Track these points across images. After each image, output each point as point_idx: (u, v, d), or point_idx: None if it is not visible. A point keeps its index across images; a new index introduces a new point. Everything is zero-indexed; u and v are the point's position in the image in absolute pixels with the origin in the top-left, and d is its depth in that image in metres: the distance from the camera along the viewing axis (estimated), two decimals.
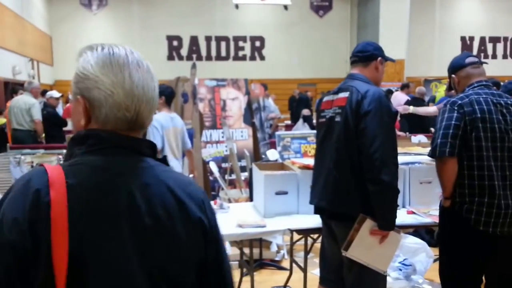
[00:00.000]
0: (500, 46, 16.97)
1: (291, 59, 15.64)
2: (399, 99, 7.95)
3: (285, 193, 3.23)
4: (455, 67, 2.58)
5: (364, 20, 14.96)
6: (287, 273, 3.73)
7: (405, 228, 3.21)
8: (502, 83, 4.54)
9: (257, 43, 15.85)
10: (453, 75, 2.59)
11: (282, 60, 15.64)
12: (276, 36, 15.71)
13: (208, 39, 15.28)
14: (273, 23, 15.61)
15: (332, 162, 2.43)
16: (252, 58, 15.84)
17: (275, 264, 4.32)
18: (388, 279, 3.64)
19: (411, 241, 3.83)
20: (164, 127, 4.22)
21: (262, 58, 15.88)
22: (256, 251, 4.25)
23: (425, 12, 15.63)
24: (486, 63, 2.63)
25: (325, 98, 2.61)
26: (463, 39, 16.51)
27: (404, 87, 8.39)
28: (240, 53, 15.66)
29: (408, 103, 7.53)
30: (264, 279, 4.08)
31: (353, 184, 2.34)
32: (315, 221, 2.75)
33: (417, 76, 14.58)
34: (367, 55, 2.53)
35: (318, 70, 15.53)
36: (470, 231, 2.39)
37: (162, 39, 14.96)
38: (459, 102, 2.40)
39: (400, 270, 3.70)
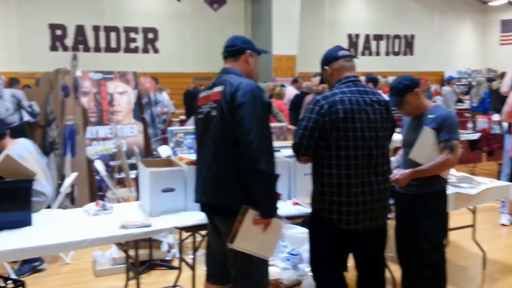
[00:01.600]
0: (383, 44, 18.31)
1: (186, 52, 15.46)
2: (289, 93, 8.23)
3: (172, 190, 3.17)
4: (329, 59, 2.68)
5: (259, 16, 15.25)
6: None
7: (290, 219, 3.32)
8: (383, 78, 4.84)
9: (150, 35, 15.41)
10: (326, 67, 2.69)
11: (177, 53, 15.39)
12: (170, 28, 15.40)
13: (96, 29, 14.50)
14: (166, 14, 15.28)
15: (211, 157, 2.44)
16: (145, 50, 15.37)
17: (166, 264, 4.24)
18: (276, 269, 3.77)
19: (298, 231, 3.98)
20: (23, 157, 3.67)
21: (155, 50, 15.49)
22: (145, 252, 4.14)
23: (315, 11, 16.34)
24: (357, 57, 2.76)
25: (202, 94, 2.61)
26: (349, 36, 17.55)
27: (294, 82, 8.70)
28: (132, 45, 15.10)
29: (296, 97, 7.84)
30: (155, 280, 3.99)
31: (233, 177, 2.37)
32: (204, 217, 2.74)
33: (309, 71, 15.21)
34: (236, 49, 2.56)
35: (214, 64, 15.32)
36: (334, 230, 2.55)
37: (44, 28, 13.89)
38: (322, 102, 2.50)
39: (288, 260, 3.83)
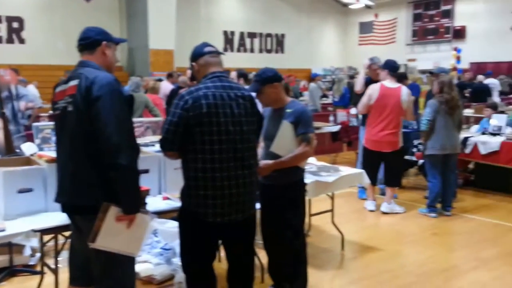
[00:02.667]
0: (256, 41, 18.85)
1: (56, 43, 14.33)
2: (164, 88, 8.05)
3: (30, 190, 2.90)
4: (195, 55, 2.65)
5: (134, 9, 14.71)
6: None
7: (161, 213, 3.24)
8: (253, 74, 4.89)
9: (15, 24, 14.03)
10: (193, 63, 2.66)
11: (46, 44, 14.23)
12: (38, 17, 14.17)
13: None
14: (34, 3, 14.02)
15: (67, 154, 2.29)
16: (9, 40, 13.97)
17: (28, 270, 3.88)
18: (149, 265, 3.66)
19: (171, 226, 3.90)
20: None
21: (21, 41, 14.14)
22: (6, 258, 3.75)
23: (191, 7, 16.24)
24: (223, 53, 2.76)
25: (58, 89, 2.41)
26: (225, 33, 17.77)
27: (169, 77, 8.53)
28: None
29: (172, 91, 7.69)
30: (16, 287, 3.62)
31: (91, 174, 2.23)
32: (66, 218, 2.52)
33: (186, 66, 15.05)
34: (90, 41, 2.41)
35: None
36: (201, 223, 2.53)
37: None
38: (186, 97, 2.46)
39: (161, 255, 3.74)
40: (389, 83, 5.47)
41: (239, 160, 2.53)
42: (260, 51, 18.93)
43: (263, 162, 3.03)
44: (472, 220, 5.44)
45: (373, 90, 5.47)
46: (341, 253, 4.45)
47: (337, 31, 22.70)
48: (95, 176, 2.23)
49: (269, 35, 19.30)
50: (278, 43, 19.64)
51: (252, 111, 2.63)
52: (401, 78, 6.28)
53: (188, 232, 2.63)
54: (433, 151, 5.43)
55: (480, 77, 13.44)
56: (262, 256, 3.56)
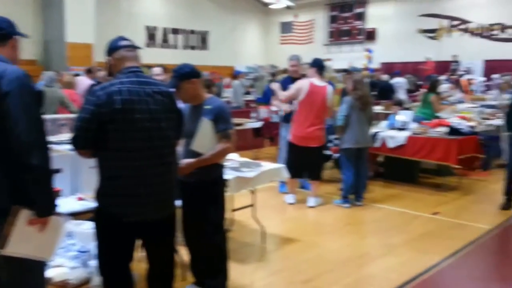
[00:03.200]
0: (180, 38, 18.51)
1: None
2: (82, 83, 7.64)
3: None
4: (111, 49, 2.52)
5: (48, 0, 13.79)
6: None
7: (76, 215, 3.05)
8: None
9: None
10: (109, 58, 2.53)
11: None
12: None
13: None
14: None
15: None
16: None
17: None
18: (64, 269, 3.42)
19: (87, 227, 3.68)
20: None
21: None
22: None
23: (112, 0, 15.57)
24: (140, 48, 2.62)
25: None
26: (147, 28, 17.26)
27: (88, 72, 8.11)
28: None
29: (92, 87, 7.31)
30: None
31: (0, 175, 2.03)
32: None
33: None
34: (3, 33, 2.20)
35: None
36: (117, 223, 2.41)
37: None
38: (99, 92, 2.33)
39: (77, 258, 3.51)
40: (317, 81, 5.57)
41: (157, 158, 2.43)
42: (184, 47, 18.62)
43: (184, 161, 2.96)
44: (382, 209, 5.73)
45: (302, 85, 5.52)
46: (262, 246, 4.48)
47: (259, 30, 22.92)
48: (3, 176, 2.03)
49: (192, 31, 19.03)
50: (202, 40, 19.44)
51: (171, 107, 2.52)
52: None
53: (104, 234, 2.49)
54: (349, 144, 5.64)
55: (385, 77, 14.22)
56: (183, 253, 3.48)
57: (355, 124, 5.60)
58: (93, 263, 3.46)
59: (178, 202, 2.84)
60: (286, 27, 23.32)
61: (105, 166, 2.38)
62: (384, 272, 3.91)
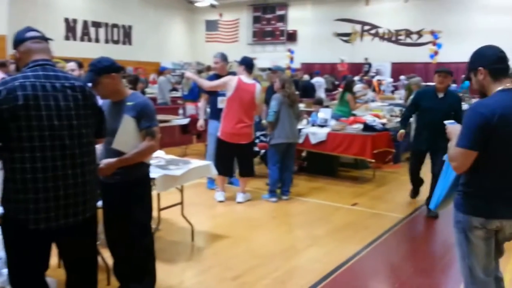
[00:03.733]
0: (102, 31, 17.59)
1: None
2: None
3: None
4: (16, 41, 2.22)
5: None
6: None
7: None
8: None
9: None
10: (15, 51, 2.23)
11: None
12: None
13: None
14: None
15: None
16: None
17: None
18: None
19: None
20: None
21: None
22: None
23: None
24: (50, 39, 2.33)
25: None
26: (66, 20, 16.18)
27: (2, 66, 7.38)
28: None
29: None
30: None
31: None
32: None
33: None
34: None
35: None
36: (24, 231, 2.13)
37: None
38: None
39: None
40: (246, 78, 5.50)
41: (69, 158, 2.15)
42: (106, 41, 17.71)
43: (105, 161, 2.71)
44: (306, 202, 5.80)
45: (230, 81, 5.43)
46: (192, 244, 4.33)
47: (185, 26, 22.46)
48: None
49: (115, 25, 18.15)
50: (126, 35, 18.62)
51: (85, 103, 2.24)
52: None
53: (13, 242, 2.20)
54: (279, 140, 5.68)
55: (306, 76, 14.56)
56: (106, 257, 3.24)
57: (285, 120, 5.66)
58: (6, 271, 3.11)
59: (99, 203, 2.60)
60: (211, 25, 23.08)
61: (7, 169, 2.09)
62: (310, 263, 3.94)
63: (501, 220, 2.27)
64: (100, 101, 2.54)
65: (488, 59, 2.27)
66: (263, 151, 6.70)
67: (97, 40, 17.29)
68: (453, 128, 2.39)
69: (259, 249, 4.21)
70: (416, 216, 5.33)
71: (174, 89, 14.06)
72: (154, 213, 3.13)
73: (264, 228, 4.85)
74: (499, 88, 2.24)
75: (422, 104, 5.22)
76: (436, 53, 17.87)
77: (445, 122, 2.55)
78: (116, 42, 18.14)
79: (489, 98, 2.25)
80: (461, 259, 2.39)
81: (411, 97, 8.29)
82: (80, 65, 5.21)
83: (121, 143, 2.77)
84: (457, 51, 17.18)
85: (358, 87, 11.94)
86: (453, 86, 15.05)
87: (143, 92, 8.47)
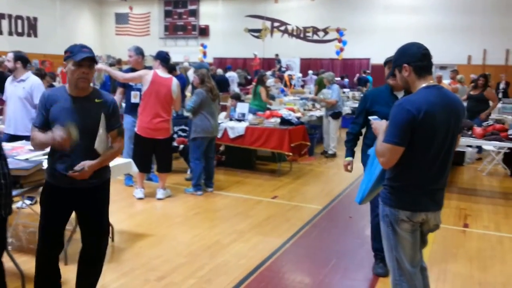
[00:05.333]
0: (5, 23, 16.00)
1: None
2: None
3: None
4: None
5: None
6: None
7: None
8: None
9: None
10: None
11: None
12: None
13: None
14: None
15: None
16: None
17: None
18: None
19: None
20: None
21: None
22: None
23: None
24: None
25: None
26: None
27: None
28: None
29: None
30: None
31: None
32: None
33: None
34: None
35: None
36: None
37: None
38: None
39: None
40: (161, 72, 5.29)
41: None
42: (10, 33, 16.07)
43: (87, 164, 2.51)
44: (228, 196, 5.70)
45: (146, 74, 5.21)
46: (111, 244, 4.01)
47: (94, 19, 21.14)
48: None
49: (19, 17, 16.51)
50: (31, 27, 17.03)
51: None
52: (171, 69, 6.17)
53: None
54: (202, 134, 5.56)
55: (220, 71, 14.41)
56: (20, 262, 2.87)
57: (207, 114, 5.58)
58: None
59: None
60: (121, 18, 21.98)
61: None
62: (236, 259, 3.84)
63: (426, 213, 2.31)
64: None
65: (412, 56, 2.27)
66: (182, 146, 6.48)
67: (0, 32, 15.63)
68: (378, 124, 2.42)
69: (183, 247, 4.03)
70: (333, 206, 5.48)
71: None
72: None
73: (187, 225, 4.66)
74: (424, 84, 2.25)
75: (378, 110, 3.50)
76: (341, 49, 18.76)
77: (370, 117, 2.58)
78: (20, 34, 16.58)
79: (414, 94, 2.26)
80: (388, 252, 2.40)
81: (323, 90, 8.62)
82: (20, 58, 4.65)
83: (100, 143, 2.57)
84: (361, 48, 18.23)
85: (270, 81, 12.10)
86: (346, 81, 15.93)
87: (51, 86, 7.74)
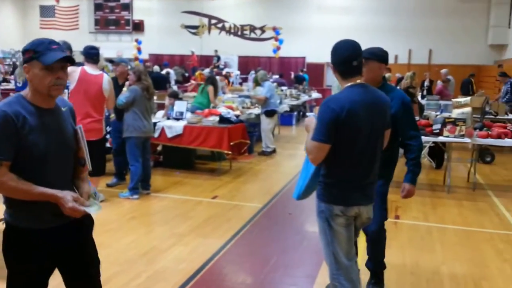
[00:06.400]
0: None
1: None
2: None
3: None
4: None
5: None
6: None
7: None
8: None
9: None
10: None
11: None
12: None
13: None
14: None
15: None
16: None
17: None
18: None
19: None
20: None
21: None
22: None
23: None
24: None
25: None
26: None
27: None
28: None
29: None
30: None
31: None
32: None
33: None
34: None
35: None
36: None
37: None
38: None
39: None
40: (90, 69, 4.97)
41: None
42: None
43: (75, 196, 1.97)
44: (165, 198, 5.53)
45: (73, 71, 4.78)
46: None
47: (16, 12, 19.77)
48: None
49: None
50: None
51: None
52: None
53: None
54: (135, 133, 5.35)
55: (156, 67, 14.04)
56: None
57: (143, 113, 5.40)
58: None
59: None
60: (47, 11, 20.76)
61: None
62: (175, 263, 3.72)
63: (359, 207, 2.40)
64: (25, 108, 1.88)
65: (337, 59, 2.36)
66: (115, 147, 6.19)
67: None
68: (309, 120, 2.50)
69: (119, 255, 3.83)
70: (273, 204, 5.49)
71: (5, 80, 12.26)
72: None
73: (122, 231, 4.45)
74: (348, 84, 2.34)
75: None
76: (278, 48, 19.00)
77: (307, 114, 2.61)
78: None
79: (340, 93, 2.36)
80: (325, 247, 2.45)
81: (256, 87, 8.65)
82: None
83: (88, 159, 2.14)
84: (297, 46, 18.59)
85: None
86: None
87: None
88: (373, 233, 3.16)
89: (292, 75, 16.82)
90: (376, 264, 3.27)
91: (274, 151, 8.34)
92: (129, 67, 6.26)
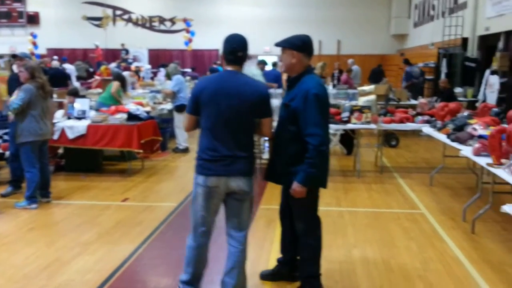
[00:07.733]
0: None
1: None
2: None
3: None
4: None
5: None
6: None
7: None
8: None
9: None
10: None
11: None
12: None
13: None
14: None
15: None
16: None
17: None
18: None
19: None
20: None
21: None
22: None
23: None
24: None
25: None
26: None
27: None
28: None
29: None
30: None
31: None
32: None
33: None
34: None
35: None
36: None
37: None
38: None
39: None
40: None
41: None
42: None
43: None
44: (69, 205, 5.18)
45: None
46: None
47: None
48: None
49: None
50: None
51: None
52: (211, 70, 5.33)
53: None
54: (32, 137, 4.95)
55: (55, 63, 13.11)
56: None
57: (39, 114, 4.98)
58: None
59: None
60: None
61: None
62: (80, 275, 3.49)
63: (218, 177, 2.75)
64: None
65: (225, 49, 2.80)
66: (7, 153, 5.68)
67: None
68: None
69: (15, 271, 3.52)
70: (189, 202, 5.38)
71: None
72: None
73: (19, 244, 4.09)
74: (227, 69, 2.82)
75: None
76: (190, 40, 18.73)
77: None
78: None
79: (211, 75, 2.94)
80: (191, 209, 2.95)
81: (166, 81, 8.43)
82: None
83: None
84: (209, 39, 18.46)
85: (125, 74, 11.46)
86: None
87: None
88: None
89: (208, 68, 16.71)
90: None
91: (187, 149, 8.15)
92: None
